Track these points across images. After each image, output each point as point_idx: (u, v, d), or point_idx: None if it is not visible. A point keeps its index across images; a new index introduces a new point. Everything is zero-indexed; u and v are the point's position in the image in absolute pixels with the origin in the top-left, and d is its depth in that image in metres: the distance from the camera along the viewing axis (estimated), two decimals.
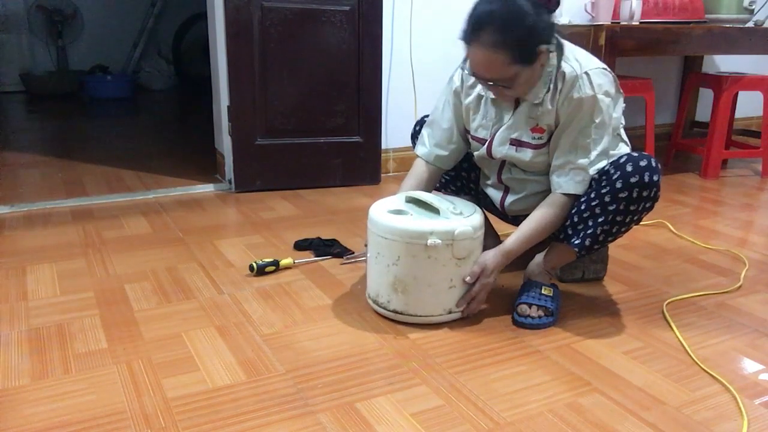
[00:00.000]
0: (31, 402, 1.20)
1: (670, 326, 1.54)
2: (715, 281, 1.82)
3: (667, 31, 2.66)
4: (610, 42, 2.49)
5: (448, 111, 1.66)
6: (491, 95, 1.55)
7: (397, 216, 1.48)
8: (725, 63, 3.75)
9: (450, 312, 1.50)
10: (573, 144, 1.47)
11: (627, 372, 1.34)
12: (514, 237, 1.52)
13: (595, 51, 2.46)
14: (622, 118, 1.59)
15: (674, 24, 2.78)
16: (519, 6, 1.34)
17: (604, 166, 1.47)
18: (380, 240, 1.48)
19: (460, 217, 1.47)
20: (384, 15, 2.66)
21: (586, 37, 2.50)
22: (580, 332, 1.50)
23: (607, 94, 1.46)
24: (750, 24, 2.97)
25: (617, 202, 1.43)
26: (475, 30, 1.37)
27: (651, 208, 1.47)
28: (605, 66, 1.48)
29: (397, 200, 1.59)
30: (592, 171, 1.47)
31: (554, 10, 1.41)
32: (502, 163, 1.63)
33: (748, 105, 3.74)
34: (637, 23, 2.69)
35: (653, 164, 1.43)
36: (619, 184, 1.42)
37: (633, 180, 1.41)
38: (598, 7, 2.72)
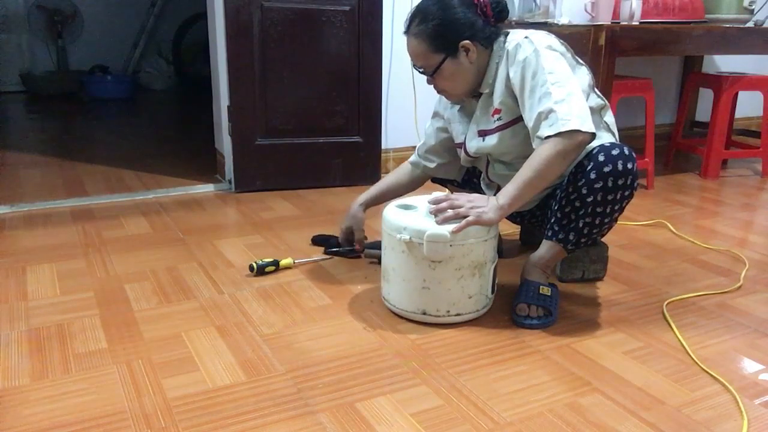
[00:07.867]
0: (31, 402, 1.20)
1: (670, 326, 1.54)
2: (715, 281, 1.82)
3: (667, 31, 2.66)
4: (610, 42, 2.48)
5: (431, 129, 1.82)
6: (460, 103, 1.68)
7: (395, 209, 1.55)
8: (725, 63, 3.75)
9: (424, 313, 1.50)
10: (534, 99, 1.42)
11: (627, 372, 1.34)
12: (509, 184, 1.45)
13: (595, 51, 2.46)
14: (602, 98, 1.59)
15: (674, 24, 2.78)
16: (445, 3, 1.50)
17: (581, 112, 1.39)
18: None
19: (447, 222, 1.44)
20: (384, 15, 2.67)
21: (586, 37, 2.50)
22: (580, 332, 1.50)
23: (550, 48, 1.47)
24: (750, 24, 2.96)
25: (594, 193, 1.44)
26: (407, 22, 1.56)
27: (630, 196, 1.47)
28: (550, 33, 1.54)
29: (423, 198, 1.61)
30: (563, 107, 1.38)
31: (493, 20, 1.52)
32: (488, 161, 1.68)
33: (748, 105, 3.74)
34: (637, 23, 2.68)
35: (626, 152, 1.44)
36: (593, 175, 1.43)
37: (606, 169, 1.42)
38: (598, 7, 2.71)
